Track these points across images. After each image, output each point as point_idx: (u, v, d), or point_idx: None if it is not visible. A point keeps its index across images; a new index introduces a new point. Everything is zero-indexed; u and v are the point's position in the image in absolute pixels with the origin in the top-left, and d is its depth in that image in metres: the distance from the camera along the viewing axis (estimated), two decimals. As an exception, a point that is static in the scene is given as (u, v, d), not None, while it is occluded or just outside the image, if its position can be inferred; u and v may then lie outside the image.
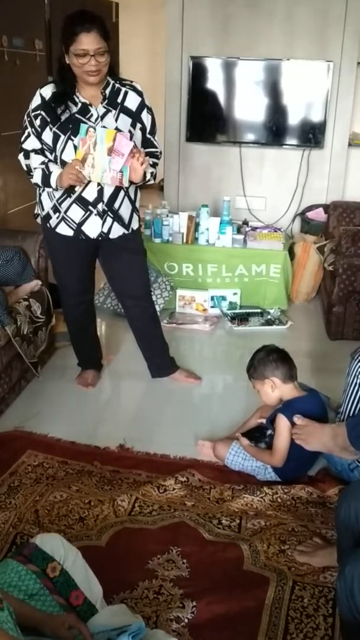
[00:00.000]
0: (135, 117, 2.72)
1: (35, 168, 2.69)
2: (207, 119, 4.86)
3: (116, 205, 2.77)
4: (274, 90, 4.74)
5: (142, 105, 2.73)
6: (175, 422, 2.98)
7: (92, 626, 1.61)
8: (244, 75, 4.72)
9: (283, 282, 4.27)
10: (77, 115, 2.63)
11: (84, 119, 2.62)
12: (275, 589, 1.95)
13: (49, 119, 2.63)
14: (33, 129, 2.67)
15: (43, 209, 2.83)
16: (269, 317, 4.18)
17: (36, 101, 2.66)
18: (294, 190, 4.92)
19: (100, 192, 2.71)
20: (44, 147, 2.68)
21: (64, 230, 2.81)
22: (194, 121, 4.86)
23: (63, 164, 2.63)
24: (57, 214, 2.78)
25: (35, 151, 2.69)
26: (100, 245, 2.91)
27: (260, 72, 4.70)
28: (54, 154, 2.66)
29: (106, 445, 2.75)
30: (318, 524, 2.24)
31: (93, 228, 2.78)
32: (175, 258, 4.29)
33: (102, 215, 2.76)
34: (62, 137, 2.63)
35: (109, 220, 2.78)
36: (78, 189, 2.69)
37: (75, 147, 2.59)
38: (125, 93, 2.71)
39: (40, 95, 2.65)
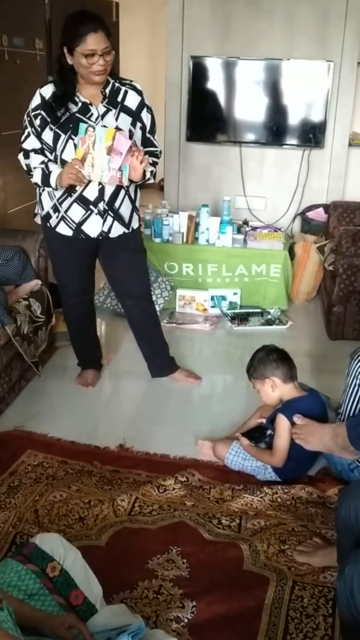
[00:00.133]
0: (135, 116, 2.72)
1: (35, 168, 2.69)
2: (207, 119, 4.86)
3: (117, 204, 2.77)
4: (274, 90, 4.74)
5: (142, 105, 2.73)
6: (175, 422, 2.98)
7: (91, 626, 1.61)
8: (244, 75, 4.72)
9: (283, 282, 4.26)
10: (77, 114, 2.63)
11: (84, 119, 2.62)
12: (275, 589, 1.94)
13: (49, 119, 2.63)
14: (33, 129, 2.67)
15: (43, 209, 2.83)
16: (269, 317, 4.18)
17: (36, 101, 2.66)
18: (294, 190, 4.92)
19: (102, 191, 2.71)
20: (44, 146, 2.68)
21: (64, 230, 2.81)
22: (194, 121, 4.86)
23: (63, 163, 2.63)
24: (57, 214, 2.78)
25: (35, 151, 2.69)
26: (100, 245, 2.91)
27: (261, 71, 4.70)
28: (54, 154, 2.66)
29: (106, 445, 2.75)
30: (318, 524, 2.24)
31: (93, 227, 2.78)
32: (175, 258, 4.29)
33: (102, 214, 2.76)
34: (63, 137, 2.63)
35: (109, 219, 2.78)
36: (79, 189, 2.69)
37: (76, 146, 2.59)
38: (125, 92, 2.71)
39: (40, 95, 2.65)
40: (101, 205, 2.74)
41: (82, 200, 2.73)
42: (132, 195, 2.84)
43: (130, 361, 3.48)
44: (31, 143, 2.69)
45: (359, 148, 4.86)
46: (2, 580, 1.60)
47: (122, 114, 2.69)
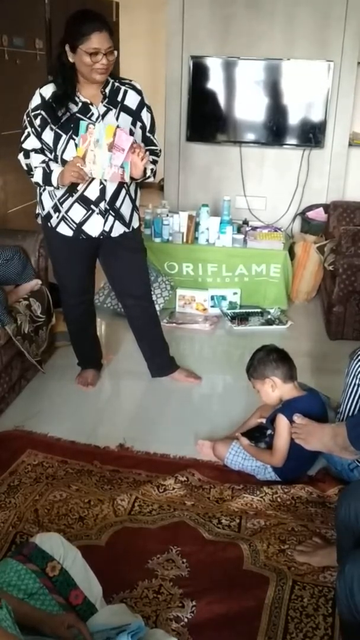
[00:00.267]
0: (135, 115, 2.72)
1: (35, 167, 2.69)
2: (207, 119, 4.86)
3: (118, 203, 2.77)
4: (274, 90, 4.74)
5: (141, 104, 2.74)
6: (175, 421, 2.98)
7: (91, 625, 1.62)
8: (244, 75, 4.73)
9: (283, 282, 4.27)
10: (78, 114, 2.63)
11: (84, 118, 2.62)
12: (275, 588, 1.94)
13: (49, 119, 2.63)
14: (33, 129, 2.67)
15: (44, 209, 2.83)
16: (269, 316, 4.18)
17: (36, 101, 2.66)
18: (294, 190, 4.92)
19: (103, 190, 2.71)
20: (44, 146, 2.68)
21: (64, 230, 2.81)
22: (194, 121, 4.86)
23: (64, 163, 2.63)
24: (58, 214, 2.78)
25: (35, 150, 2.69)
26: (101, 245, 2.91)
27: (261, 71, 4.70)
28: (53, 154, 2.66)
29: (106, 444, 2.75)
30: (318, 523, 2.24)
31: (95, 227, 2.78)
32: (175, 258, 4.29)
33: (104, 214, 2.76)
34: (64, 137, 2.63)
35: (110, 219, 2.78)
36: (80, 188, 2.69)
37: (77, 146, 2.59)
38: (125, 92, 2.71)
39: (40, 95, 2.65)
40: (102, 205, 2.74)
41: (84, 200, 2.73)
42: (133, 195, 2.84)
43: (130, 361, 3.48)
44: (31, 143, 2.69)
45: (359, 148, 4.86)
46: (2, 580, 1.60)
47: (122, 114, 2.70)
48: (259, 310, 4.26)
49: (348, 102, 4.71)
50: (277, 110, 4.77)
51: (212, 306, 4.24)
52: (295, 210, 4.97)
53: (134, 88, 2.74)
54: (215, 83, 4.80)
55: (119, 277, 3.08)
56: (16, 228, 4.07)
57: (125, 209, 2.82)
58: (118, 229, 2.83)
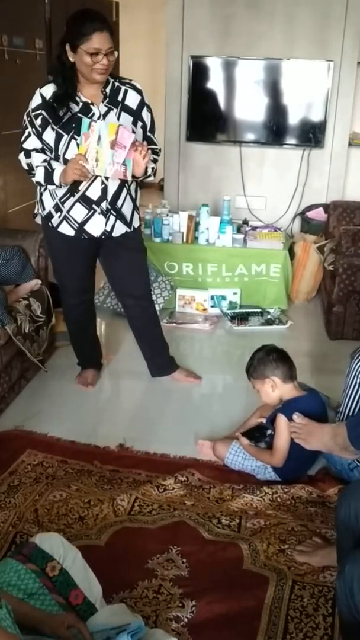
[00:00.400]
0: (136, 115, 2.72)
1: (37, 166, 2.68)
2: (207, 119, 4.86)
3: (119, 203, 2.77)
4: (274, 90, 4.74)
5: (142, 104, 2.74)
6: (175, 421, 2.98)
7: (91, 625, 1.62)
8: (244, 75, 4.72)
9: (283, 282, 4.26)
10: (79, 114, 2.63)
11: (86, 118, 2.62)
12: (274, 588, 1.94)
13: (50, 119, 2.62)
14: (34, 129, 2.66)
15: (44, 208, 2.83)
16: (268, 316, 4.18)
17: (36, 101, 2.65)
18: (294, 189, 4.92)
19: (104, 190, 2.71)
20: (45, 146, 2.68)
21: (66, 230, 2.81)
22: (194, 120, 4.86)
23: (66, 162, 2.63)
24: (59, 213, 2.78)
25: (36, 150, 2.69)
26: (101, 244, 2.91)
27: (261, 71, 4.70)
28: (54, 154, 2.66)
29: (106, 444, 2.75)
30: (318, 523, 2.24)
31: (96, 227, 2.78)
32: (175, 257, 4.29)
33: (105, 213, 2.76)
34: (65, 137, 2.62)
35: (112, 218, 2.78)
36: (82, 187, 2.69)
37: (79, 146, 2.59)
38: (126, 91, 2.71)
39: (41, 95, 2.65)
40: (104, 205, 2.74)
41: (85, 200, 2.73)
42: (133, 194, 2.84)
43: (130, 361, 3.48)
44: (32, 143, 2.69)
45: (358, 148, 4.86)
46: (2, 580, 1.60)
47: (123, 114, 2.70)
48: (258, 310, 4.26)
49: (348, 102, 4.71)
50: (277, 110, 4.77)
51: (212, 306, 4.24)
52: (295, 210, 4.97)
53: (134, 88, 2.74)
54: (215, 83, 4.80)
55: (119, 276, 3.08)
56: (16, 228, 4.07)
57: (127, 209, 2.82)
58: (119, 229, 2.83)
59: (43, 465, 2.58)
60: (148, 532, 2.18)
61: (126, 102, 2.71)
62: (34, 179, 2.73)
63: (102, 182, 2.69)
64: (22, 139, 2.70)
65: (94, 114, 2.65)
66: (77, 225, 2.78)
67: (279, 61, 4.66)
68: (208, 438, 2.72)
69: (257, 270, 4.26)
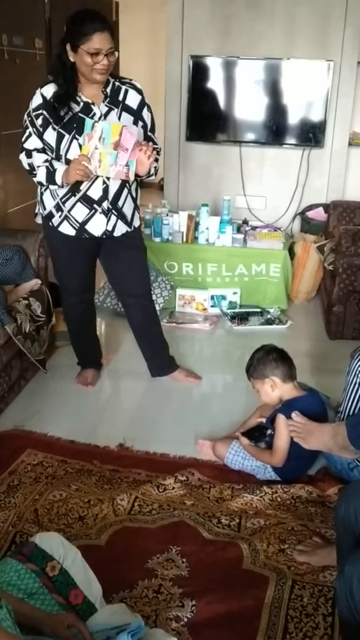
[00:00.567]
0: (136, 115, 2.72)
1: (38, 166, 2.68)
2: (207, 118, 4.86)
3: (120, 203, 2.77)
4: (274, 90, 4.74)
5: (142, 104, 2.74)
6: (175, 421, 2.98)
7: (91, 625, 1.62)
8: (244, 75, 4.72)
9: (283, 282, 4.26)
10: (80, 114, 2.63)
11: (87, 118, 2.62)
12: (274, 588, 1.94)
13: (51, 119, 2.62)
14: (34, 129, 2.66)
15: (45, 208, 2.83)
16: (268, 316, 4.18)
17: (37, 100, 2.65)
18: (294, 189, 4.91)
19: (106, 190, 2.71)
20: (46, 146, 2.68)
21: (67, 229, 2.81)
22: (194, 120, 4.86)
23: (68, 162, 2.63)
24: (60, 213, 2.78)
25: (37, 150, 2.69)
26: (102, 244, 2.91)
27: (261, 71, 4.70)
28: (55, 154, 2.66)
29: (106, 444, 2.75)
30: (318, 523, 2.24)
31: (97, 226, 2.78)
32: (175, 257, 4.29)
33: (106, 213, 2.76)
34: (67, 137, 2.62)
35: (113, 218, 2.79)
36: (83, 187, 2.69)
37: (81, 146, 2.60)
38: (126, 91, 2.71)
39: (42, 94, 2.64)
40: (105, 204, 2.74)
41: (86, 200, 2.73)
42: (134, 194, 2.85)
43: (130, 361, 3.48)
44: (33, 143, 2.69)
45: (358, 147, 4.86)
46: (2, 579, 1.60)
47: (124, 113, 2.70)
48: (258, 310, 4.26)
49: (348, 102, 4.71)
50: (277, 110, 4.77)
51: (212, 306, 4.24)
52: (295, 210, 4.97)
53: (134, 87, 2.74)
54: (215, 83, 4.80)
55: (120, 276, 3.08)
56: (16, 228, 4.07)
57: (127, 208, 2.82)
58: (121, 228, 2.84)
59: (43, 465, 2.58)
60: (148, 531, 2.18)
61: (127, 102, 2.71)
62: (35, 179, 2.73)
63: (104, 182, 2.69)
64: (23, 139, 2.70)
65: (94, 113, 2.65)
66: (77, 225, 2.78)
67: (279, 61, 4.65)
68: (208, 438, 2.72)
69: (257, 270, 4.26)
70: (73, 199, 2.73)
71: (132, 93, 2.72)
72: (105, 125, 2.55)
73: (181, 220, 4.29)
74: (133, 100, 2.72)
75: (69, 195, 2.73)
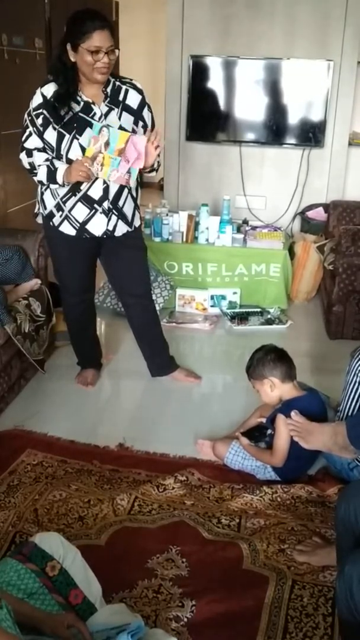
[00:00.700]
0: (137, 114, 2.72)
1: (39, 165, 2.68)
2: (207, 118, 4.86)
3: (120, 202, 2.78)
4: (274, 90, 4.74)
5: (143, 103, 2.74)
6: (174, 421, 2.98)
7: (91, 625, 1.62)
8: (244, 75, 4.72)
9: (283, 282, 4.26)
10: (80, 114, 2.63)
11: (87, 118, 2.63)
12: (274, 588, 1.94)
13: (51, 119, 2.62)
14: (35, 128, 2.66)
15: (45, 208, 2.83)
16: (268, 316, 4.18)
17: (37, 100, 2.65)
18: (294, 189, 4.91)
19: (106, 190, 2.71)
20: (46, 146, 2.68)
21: (67, 229, 2.81)
22: (194, 120, 4.86)
23: (69, 162, 2.63)
24: (61, 213, 2.78)
25: (38, 149, 2.69)
26: (102, 243, 2.91)
27: (261, 71, 4.70)
28: (55, 153, 2.66)
29: (106, 444, 2.75)
30: (317, 523, 2.24)
31: (98, 226, 2.78)
32: (175, 257, 4.29)
33: (107, 213, 2.76)
34: (67, 137, 2.62)
35: (114, 218, 2.79)
36: (84, 187, 2.69)
37: (81, 146, 2.60)
38: (126, 91, 2.71)
39: (42, 94, 2.64)
40: (106, 204, 2.74)
41: (87, 200, 2.73)
42: (134, 194, 2.85)
43: (130, 361, 3.48)
44: (33, 142, 2.69)
45: (358, 147, 4.85)
46: (2, 579, 1.60)
47: (124, 113, 2.70)
48: (258, 309, 4.26)
49: (348, 102, 4.71)
50: (277, 110, 4.77)
51: (211, 306, 4.24)
52: (295, 210, 4.97)
53: (134, 87, 2.74)
54: (215, 82, 4.80)
55: (120, 275, 3.08)
56: (16, 227, 4.07)
57: (128, 208, 2.83)
58: (121, 228, 2.84)
59: (43, 464, 2.58)
60: (148, 531, 2.18)
61: (127, 102, 2.71)
62: (35, 178, 2.73)
63: (104, 182, 2.69)
64: (23, 138, 2.70)
65: (95, 113, 2.65)
66: (78, 224, 2.78)
67: (279, 61, 4.65)
68: (208, 438, 2.72)
69: (257, 270, 4.26)
70: (74, 199, 2.73)
71: (132, 93, 2.72)
72: (112, 131, 2.56)
73: (181, 220, 4.29)
74: (133, 100, 2.72)
75: (69, 195, 2.73)
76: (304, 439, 2.27)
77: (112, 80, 2.69)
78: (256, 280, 4.28)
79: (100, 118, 2.65)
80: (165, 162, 4.99)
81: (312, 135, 4.75)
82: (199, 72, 4.76)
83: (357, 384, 2.37)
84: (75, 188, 2.70)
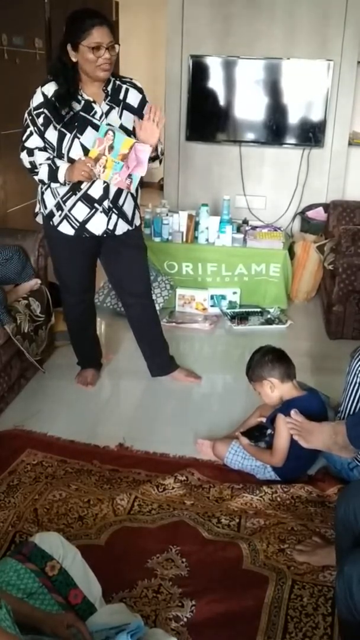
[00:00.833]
0: (137, 113, 2.72)
1: (40, 164, 2.68)
2: (207, 118, 4.86)
3: (121, 201, 2.78)
4: (274, 89, 4.74)
5: (143, 102, 2.74)
6: (174, 421, 2.98)
7: (91, 625, 1.62)
8: (244, 74, 4.72)
9: (283, 282, 4.26)
10: (81, 113, 2.64)
11: (88, 117, 2.63)
12: (274, 588, 1.94)
13: (52, 118, 2.62)
14: (35, 128, 2.66)
15: (45, 207, 2.83)
16: (268, 316, 4.18)
17: (38, 99, 2.65)
18: (294, 189, 4.91)
19: (106, 189, 2.72)
20: (47, 145, 2.68)
21: (66, 229, 2.81)
22: (194, 120, 4.86)
23: (70, 161, 2.64)
24: (60, 212, 2.78)
25: (39, 149, 2.69)
26: (103, 243, 2.92)
27: (261, 71, 4.70)
28: (56, 152, 2.66)
29: (105, 444, 2.75)
30: (317, 523, 2.24)
31: (98, 225, 2.79)
32: (175, 257, 4.29)
33: (107, 212, 2.77)
34: (68, 136, 2.63)
35: (114, 217, 2.79)
36: (84, 186, 2.69)
37: (82, 145, 2.61)
38: (127, 90, 2.71)
39: (43, 93, 2.64)
40: (106, 203, 2.75)
41: (87, 199, 2.73)
42: (134, 193, 2.85)
43: (130, 360, 3.48)
44: (34, 141, 2.69)
45: (358, 147, 4.85)
46: (2, 579, 1.60)
47: (125, 112, 2.70)
48: (258, 309, 4.26)
49: (348, 102, 4.71)
50: (276, 110, 4.77)
51: (211, 306, 4.24)
52: (295, 210, 4.96)
53: (135, 86, 2.74)
54: (215, 82, 4.80)
55: (120, 275, 3.08)
56: (16, 227, 4.07)
57: (128, 207, 2.83)
58: (122, 227, 2.84)
59: (42, 464, 2.58)
60: (148, 531, 2.18)
61: (127, 101, 2.71)
62: (36, 177, 2.74)
63: (104, 181, 2.69)
64: (24, 137, 2.70)
65: (96, 112, 2.65)
66: (77, 224, 2.78)
67: (279, 61, 4.65)
68: (208, 437, 2.72)
69: (256, 270, 4.26)
70: (74, 198, 2.73)
71: (132, 92, 2.72)
72: (118, 135, 2.56)
73: (181, 220, 4.29)
74: (134, 98, 2.72)
75: (69, 194, 2.73)
76: (304, 438, 2.27)
77: (112, 79, 2.70)
78: (256, 280, 4.28)
79: (101, 117, 2.65)
80: (165, 162, 4.98)
81: (312, 135, 4.75)
82: (199, 72, 4.75)
83: (357, 385, 2.37)
84: (75, 187, 2.70)
